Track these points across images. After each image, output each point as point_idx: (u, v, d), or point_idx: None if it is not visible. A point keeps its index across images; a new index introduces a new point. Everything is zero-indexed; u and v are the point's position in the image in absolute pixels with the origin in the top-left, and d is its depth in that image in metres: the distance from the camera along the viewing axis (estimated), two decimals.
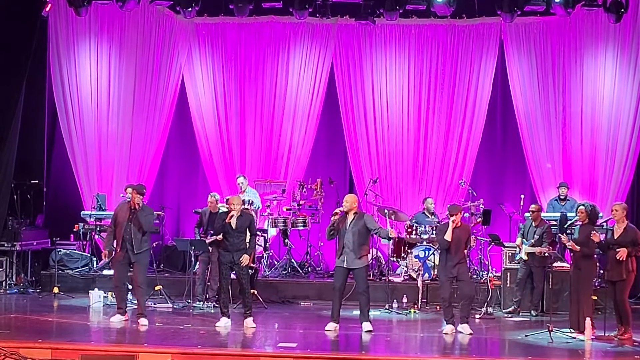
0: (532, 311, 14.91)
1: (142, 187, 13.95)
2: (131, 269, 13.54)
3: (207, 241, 14.95)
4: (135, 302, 13.79)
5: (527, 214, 15.81)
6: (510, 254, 15.44)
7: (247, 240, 13.36)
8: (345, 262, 12.94)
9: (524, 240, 15.07)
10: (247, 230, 13.31)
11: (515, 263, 15.29)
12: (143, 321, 13.24)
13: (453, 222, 13.13)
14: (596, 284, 14.21)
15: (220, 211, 15.32)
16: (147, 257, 13.74)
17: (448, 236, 13.08)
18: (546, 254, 14.62)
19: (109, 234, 13.71)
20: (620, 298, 12.56)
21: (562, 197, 16.93)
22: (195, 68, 18.63)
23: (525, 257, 14.90)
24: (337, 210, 13.16)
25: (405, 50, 18.35)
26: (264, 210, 17.32)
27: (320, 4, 17.00)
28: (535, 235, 14.96)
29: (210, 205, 15.51)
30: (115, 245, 13.53)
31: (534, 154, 17.86)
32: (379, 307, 14.90)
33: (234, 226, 13.13)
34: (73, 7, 16.93)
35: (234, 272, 13.37)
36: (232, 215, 13.15)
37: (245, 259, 13.22)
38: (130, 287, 14.06)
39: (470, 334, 12.89)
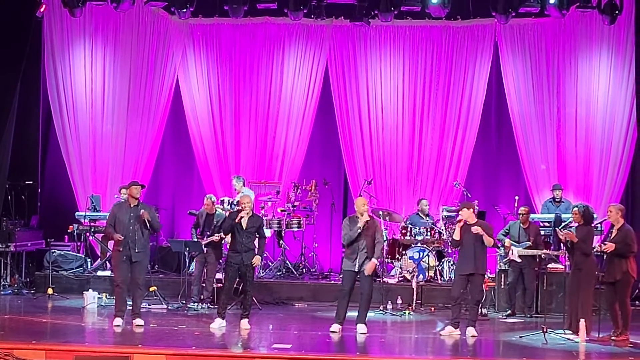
0: (526, 313, 14.92)
1: (137, 182, 13.87)
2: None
3: (203, 242, 14.95)
4: (130, 302, 13.75)
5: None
6: (502, 254, 15.46)
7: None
8: (356, 265, 12.93)
9: (513, 243, 15.05)
10: (257, 232, 13.30)
11: (504, 264, 15.30)
12: (139, 322, 13.21)
13: (459, 221, 13.10)
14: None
15: (217, 212, 15.35)
16: (148, 257, 13.72)
17: (456, 235, 13.05)
18: (542, 256, 14.67)
19: (108, 227, 13.48)
20: (621, 299, 12.52)
21: (556, 199, 16.94)
22: (190, 69, 18.62)
23: (519, 260, 14.90)
24: (365, 219, 13.11)
25: (400, 51, 18.37)
26: (258, 211, 17.30)
27: (315, 5, 16.99)
28: (531, 237, 14.98)
29: (207, 207, 15.50)
30: (115, 245, 13.42)
31: (528, 155, 17.88)
32: (373, 309, 14.85)
33: (244, 226, 13.10)
34: (68, 8, 16.92)
35: (240, 273, 13.32)
36: (242, 217, 13.13)
37: (257, 260, 13.22)
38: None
39: (474, 336, 12.86)
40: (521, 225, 15.15)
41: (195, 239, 15.27)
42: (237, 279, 13.71)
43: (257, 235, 13.35)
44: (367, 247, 12.95)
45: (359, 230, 12.91)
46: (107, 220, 13.76)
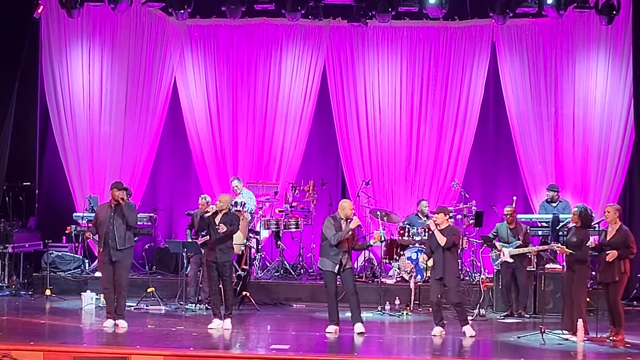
0: (523, 313, 14.92)
1: (120, 183, 13.85)
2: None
3: (198, 242, 14.94)
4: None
5: (519, 216, 15.92)
6: (494, 257, 15.47)
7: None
8: (339, 265, 12.94)
9: (503, 244, 15.08)
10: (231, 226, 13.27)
11: (497, 266, 15.33)
12: (122, 323, 13.18)
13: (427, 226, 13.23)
14: (588, 285, 14.24)
15: None
16: (129, 257, 13.56)
17: (441, 239, 13.11)
18: (540, 254, 14.73)
19: (91, 230, 13.65)
20: (613, 299, 12.57)
21: (548, 200, 16.93)
22: (188, 70, 18.61)
23: (511, 260, 14.93)
24: (358, 223, 13.14)
25: (398, 52, 18.36)
26: (256, 212, 17.31)
27: (313, 6, 16.99)
28: (519, 236, 15.03)
29: (202, 207, 15.47)
30: (98, 246, 13.43)
31: (526, 155, 17.88)
32: (371, 309, 14.92)
33: (217, 223, 13.11)
34: (65, 9, 16.90)
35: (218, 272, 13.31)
36: (208, 211, 13.24)
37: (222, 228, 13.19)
38: None
39: (472, 336, 12.86)
40: (508, 225, 15.19)
41: (190, 240, 15.26)
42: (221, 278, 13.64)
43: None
44: (349, 247, 13.04)
45: (350, 233, 12.94)
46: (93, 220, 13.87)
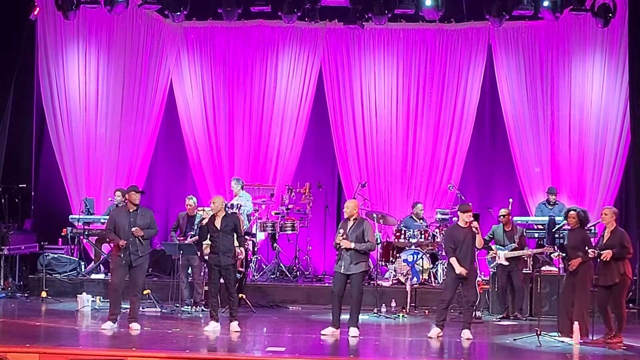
0: (519, 315, 14.92)
1: (136, 187, 13.77)
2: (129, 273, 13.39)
3: (188, 242, 14.93)
4: (127, 306, 13.73)
5: (515, 218, 15.93)
6: (490, 259, 15.47)
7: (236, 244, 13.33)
8: (342, 267, 12.93)
9: (499, 247, 15.09)
10: (234, 232, 13.23)
11: (492, 269, 15.34)
12: (135, 326, 13.16)
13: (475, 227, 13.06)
14: None
15: (197, 214, 15.27)
16: (147, 261, 13.63)
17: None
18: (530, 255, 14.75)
19: (109, 232, 13.35)
20: (617, 301, 12.51)
21: (551, 202, 16.95)
22: (184, 72, 18.62)
23: (506, 263, 14.93)
24: (340, 240, 13.00)
25: (394, 54, 18.38)
26: (252, 214, 17.29)
27: (309, 8, 17.02)
28: (515, 239, 15.03)
29: (188, 209, 15.48)
30: (115, 249, 13.32)
31: (522, 158, 17.90)
32: (367, 311, 14.89)
33: (218, 227, 13.08)
34: (61, 11, 16.91)
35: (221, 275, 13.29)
36: (203, 218, 13.32)
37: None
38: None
39: (469, 339, 12.85)
40: (504, 228, 15.19)
41: (176, 241, 15.25)
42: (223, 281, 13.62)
43: (236, 235, 13.24)
44: (352, 251, 12.94)
45: (339, 246, 12.93)
46: (106, 225, 13.66)
